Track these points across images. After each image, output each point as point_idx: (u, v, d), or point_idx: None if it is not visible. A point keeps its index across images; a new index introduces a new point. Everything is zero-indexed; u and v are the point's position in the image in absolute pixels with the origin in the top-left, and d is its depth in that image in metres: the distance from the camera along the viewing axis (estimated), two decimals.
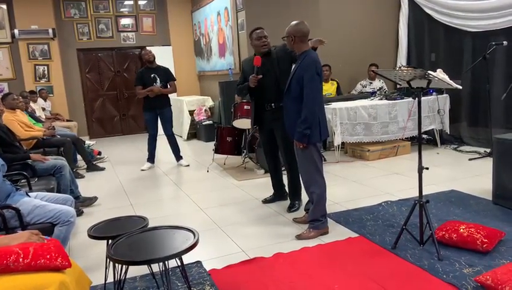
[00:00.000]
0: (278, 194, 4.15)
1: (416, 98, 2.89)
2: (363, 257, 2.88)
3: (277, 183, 4.15)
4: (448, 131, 6.16)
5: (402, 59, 7.21)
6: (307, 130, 3.07)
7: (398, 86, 6.03)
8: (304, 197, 3.61)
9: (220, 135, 5.61)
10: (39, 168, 3.98)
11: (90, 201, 4.42)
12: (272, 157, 4.07)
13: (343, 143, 5.78)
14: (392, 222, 3.43)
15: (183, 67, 9.64)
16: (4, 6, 8.47)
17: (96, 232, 2.46)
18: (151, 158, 6.10)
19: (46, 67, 8.76)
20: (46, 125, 6.15)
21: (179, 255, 2.03)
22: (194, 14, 9.54)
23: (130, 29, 9.58)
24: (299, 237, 3.25)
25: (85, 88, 9.51)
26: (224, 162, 5.86)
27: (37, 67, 8.71)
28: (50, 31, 8.51)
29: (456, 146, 6.08)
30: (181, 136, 8.40)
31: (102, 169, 6.15)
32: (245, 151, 5.49)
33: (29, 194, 2.91)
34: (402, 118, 5.80)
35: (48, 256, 1.84)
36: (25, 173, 3.57)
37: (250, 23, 6.66)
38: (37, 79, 8.74)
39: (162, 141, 6.22)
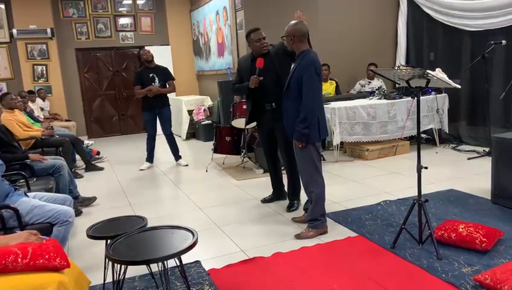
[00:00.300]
0: (277, 194, 4.15)
1: (415, 98, 2.89)
2: (362, 256, 2.88)
3: (276, 183, 4.15)
4: (447, 130, 6.17)
5: (401, 58, 7.21)
6: (305, 130, 3.07)
7: (397, 86, 6.04)
8: (303, 196, 3.61)
9: (218, 134, 5.61)
10: (38, 168, 3.98)
11: (89, 201, 4.42)
12: (271, 157, 4.08)
13: (342, 142, 5.78)
14: (391, 221, 3.44)
15: (182, 67, 9.63)
16: (2, 6, 8.45)
17: (95, 232, 2.46)
18: (150, 158, 6.10)
19: (44, 67, 8.75)
20: (44, 125, 6.14)
21: (178, 255, 2.02)
22: (193, 14, 9.54)
23: (128, 29, 9.57)
24: (298, 237, 3.25)
25: (83, 88, 9.50)
26: (223, 162, 5.85)
27: (35, 67, 8.70)
28: (48, 30, 8.50)
29: (455, 145, 6.08)
30: (180, 136, 8.40)
31: (101, 169, 6.14)
32: (244, 150, 5.49)
33: (27, 194, 2.90)
34: (401, 118, 5.81)
35: (47, 256, 1.84)
36: (23, 173, 3.56)
37: (249, 22, 6.66)
38: (36, 79, 8.73)
39: (160, 140, 6.21)
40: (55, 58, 8.80)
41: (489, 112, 5.41)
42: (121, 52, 9.69)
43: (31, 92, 7.69)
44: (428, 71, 2.71)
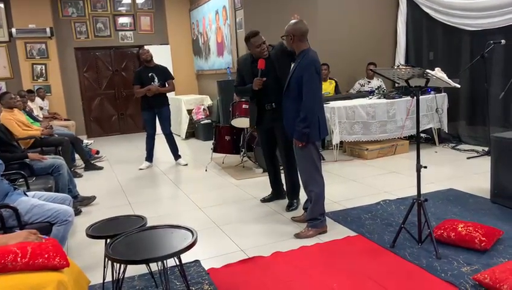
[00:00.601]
0: (276, 193, 4.16)
1: (415, 97, 2.90)
2: (361, 255, 2.88)
3: (275, 182, 4.16)
4: (446, 130, 6.17)
5: (400, 58, 7.21)
6: (306, 129, 3.07)
7: (396, 85, 6.03)
8: (303, 195, 3.61)
9: (218, 133, 5.61)
10: (37, 167, 3.97)
11: (89, 200, 4.42)
12: (270, 156, 4.08)
13: (341, 142, 5.78)
14: (391, 220, 3.44)
15: (182, 66, 9.63)
16: (1, 5, 8.44)
17: (95, 232, 2.46)
18: (149, 157, 6.10)
19: (43, 66, 8.74)
20: (43, 125, 6.13)
21: (177, 254, 2.02)
22: (192, 13, 9.53)
23: (127, 28, 9.56)
24: (297, 236, 3.25)
25: (83, 87, 9.49)
26: (222, 161, 5.85)
27: (34, 66, 8.69)
28: (48, 30, 8.49)
29: (454, 145, 6.09)
30: (179, 135, 8.40)
31: (101, 168, 6.14)
32: (243, 150, 5.49)
33: (27, 193, 2.90)
34: (400, 117, 5.81)
35: (46, 255, 1.84)
36: (22, 172, 3.56)
37: (249, 21, 6.66)
38: (35, 78, 8.72)
39: (160, 140, 6.21)
40: (55, 57, 8.79)
41: (489, 111, 5.42)
42: (120, 52, 9.69)
43: (30, 91, 7.68)
44: (427, 71, 2.71)
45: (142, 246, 2.13)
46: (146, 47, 6.22)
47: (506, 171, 3.54)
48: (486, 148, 5.39)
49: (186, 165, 6.06)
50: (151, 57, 5.82)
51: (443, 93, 6.12)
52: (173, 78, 6.04)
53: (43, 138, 5.45)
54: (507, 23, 5.45)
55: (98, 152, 6.95)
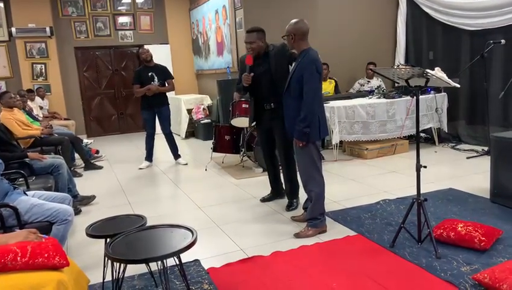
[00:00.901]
0: (276, 192, 4.16)
1: (415, 97, 2.90)
2: (361, 255, 2.88)
3: (274, 181, 4.16)
4: (446, 129, 6.18)
5: (400, 57, 7.22)
6: (306, 129, 3.07)
7: (396, 85, 6.04)
8: (303, 195, 3.61)
9: (218, 133, 5.61)
10: (37, 166, 3.97)
11: (88, 200, 4.42)
12: (270, 156, 4.09)
13: (341, 141, 5.78)
14: (390, 220, 3.44)
15: (181, 66, 9.62)
16: (1, 4, 8.43)
17: (94, 231, 2.46)
18: (149, 157, 6.09)
19: (43, 66, 8.74)
20: (43, 124, 6.13)
21: (177, 253, 2.03)
22: (192, 13, 9.52)
23: (127, 28, 9.56)
24: (297, 236, 3.25)
25: (83, 87, 9.48)
26: (222, 161, 5.85)
27: (34, 65, 8.68)
28: (47, 29, 8.48)
29: (454, 144, 6.09)
30: (179, 135, 8.39)
31: (100, 168, 6.14)
32: (243, 149, 5.49)
33: (26, 192, 2.90)
34: (400, 117, 5.81)
35: (46, 255, 1.84)
36: (22, 171, 3.56)
37: (249, 21, 6.65)
38: (35, 77, 8.71)
39: (160, 139, 6.21)
40: (54, 56, 8.78)
41: (489, 111, 5.42)
42: (120, 51, 9.68)
43: (30, 91, 7.67)
44: (427, 70, 2.71)
45: (141, 245, 2.14)
46: (146, 46, 6.22)
47: (506, 170, 3.54)
48: (486, 148, 5.39)
49: (186, 164, 6.06)
50: (151, 57, 5.82)
51: (443, 93, 6.12)
52: (173, 78, 6.04)
53: (42, 137, 5.45)
54: (507, 23, 5.45)
55: (97, 152, 6.95)
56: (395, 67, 6.14)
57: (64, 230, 2.75)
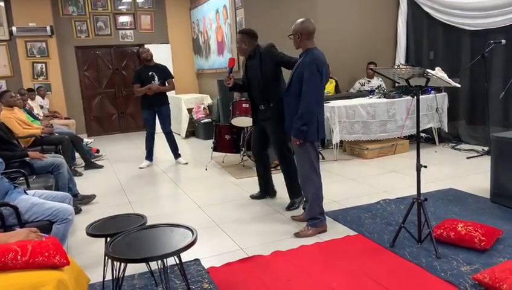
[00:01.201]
0: (264, 191, 4.20)
1: (415, 97, 2.90)
2: (361, 255, 2.88)
3: (263, 181, 4.19)
4: (446, 129, 6.18)
5: (400, 57, 7.21)
6: (303, 127, 3.07)
7: (396, 85, 6.03)
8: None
9: (218, 133, 5.61)
10: (37, 166, 3.98)
11: (89, 199, 4.42)
12: (258, 155, 4.13)
13: (341, 141, 5.78)
14: (390, 220, 3.44)
15: (182, 65, 9.62)
16: (2, 4, 8.43)
17: (95, 230, 2.46)
18: (149, 156, 6.10)
19: (44, 65, 8.74)
20: (44, 123, 6.13)
21: (177, 253, 2.03)
22: (193, 12, 9.52)
23: (128, 27, 9.56)
24: (297, 235, 3.25)
25: (83, 86, 9.48)
26: (222, 160, 5.86)
27: (35, 64, 8.68)
28: (48, 28, 8.48)
29: (454, 144, 6.09)
30: (179, 134, 8.40)
31: (101, 167, 6.14)
32: (243, 149, 5.49)
33: (27, 192, 2.90)
34: (400, 117, 5.81)
35: (46, 254, 1.84)
36: (23, 170, 3.56)
37: (249, 21, 6.65)
38: (35, 77, 8.72)
39: (160, 139, 6.21)
40: (55, 56, 8.78)
41: (489, 111, 5.42)
42: (120, 50, 9.68)
43: (30, 90, 7.68)
44: (428, 70, 2.71)
45: (142, 244, 2.14)
46: (146, 46, 6.23)
47: (506, 171, 3.54)
48: (486, 148, 5.39)
49: (186, 164, 6.06)
50: (151, 56, 5.82)
51: (443, 93, 6.12)
52: (173, 77, 6.04)
53: (43, 136, 5.45)
54: (507, 22, 5.45)
55: (98, 151, 6.95)
56: (396, 67, 6.13)
57: (64, 229, 2.75)
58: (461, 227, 2.87)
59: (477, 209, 3.57)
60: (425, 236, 2.89)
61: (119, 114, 9.89)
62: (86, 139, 7.44)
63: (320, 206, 3.29)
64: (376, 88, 6.51)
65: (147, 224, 2.45)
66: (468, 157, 5.35)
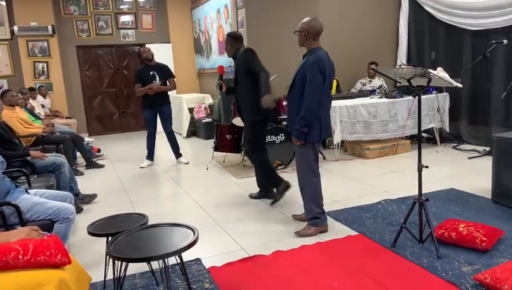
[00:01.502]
0: (262, 191, 4.24)
1: (416, 97, 2.89)
2: (362, 255, 2.88)
3: (258, 180, 4.28)
4: (447, 129, 6.17)
5: (402, 57, 7.20)
6: (304, 128, 3.06)
7: (398, 84, 6.03)
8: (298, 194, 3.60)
9: (219, 132, 5.60)
10: (38, 165, 3.98)
11: (90, 198, 4.42)
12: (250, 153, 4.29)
13: (342, 141, 5.78)
14: (392, 220, 3.44)
15: (183, 65, 9.63)
16: (3, 3, 8.44)
17: (96, 230, 2.46)
18: (150, 156, 6.10)
19: (45, 64, 8.75)
20: (45, 123, 6.14)
21: (178, 252, 2.03)
22: (194, 12, 9.53)
23: (129, 27, 9.56)
24: (298, 234, 3.25)
25: (84, 85, 9.49)
26: (223, 160, 5.86)
27: (36, 64, 8.69)
28: (49, 28, 8.49)
29: (455, 144, 6.08)
30: (180, 134, 8.40)
31: (102, 166, 6.14)
32: (244, 148, 5.48)
33: (28, 191, 2.91)
34: (402, 117, 5.80)
35: (48, 253, 1.84)
36: (24, 170, 3.57)
37: (250, 20, 6.65)
38: (36, 76, 8.73)
39: (161, 138, 6.21)
40: (56, 55, 8.79)
41: (490, 111, 5.41)
42: (121, 50, 9.69)
43: (31, 89, 7.69)
44: (429, 70, 2.70)
45: (143, 244, 2.14)
46: (147, 45, 6.23)
47: (508, 171, 3.53)
48: (487, 148, 5.38)
49: (187, 163, 6.06)
50: (153, 56, 5.82)
51: (445, 93, 6.11)
52: (174, 77, 6.04)
53: (44, 135, 5.46)
54: (509, 23, 5.44)
55: (99, 150, 6.96)
56: (397, 67, 6.13)
57: (66, 228, 2.75)
58: (462, 227, 2.87)
59: (479, 209, 3.57)
60: (427, 236, 2.89)
61: (120, 113, 9.90)
62: (87, 139, 7.45)
63: (319, 205, 3.29)
64: (377, 88, 6.50)
65: (148, 223, 2.45)
66: (469, 158, 5.34)
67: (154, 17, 9.70)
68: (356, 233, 3.24)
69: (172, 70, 6.18)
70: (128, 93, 9.71)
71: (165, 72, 5.88)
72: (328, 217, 3.39)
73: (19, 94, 5.89)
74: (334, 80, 6.83)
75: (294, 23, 3.20)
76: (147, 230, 2.29)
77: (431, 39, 6.77)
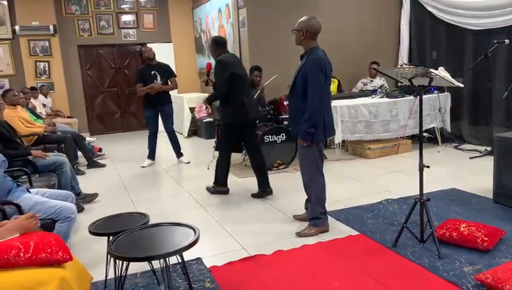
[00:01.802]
0: (260, 190, 4.27)
1: (418, 96, 2.89)
2: (363, 254, 2.88)
3: (258, 179, 4.31)
4: (449, 129, 6.16)
5: (403, 57, 7.19)
6: (310, 129, 3.06)
7: (399, 84, 6.02)
8: (304, 194, 3.61)
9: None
10: (40, 164, 3.99)
11: (91, 198, 4.43)
12: (248, 152, 4.53)
13: (343, 141, 5.78)
14: (393, 220, 3.44)
15: (184, 64, 9.63)
16: (5, 2, 8.45)
17: (97, 229, 2.47)
18: (151, 155, 6.10)
19: (46, 64, 8.75)
20: (46, 122, 6.15)
21: (179, 251, 2.03)
22: (195, 11, 9.53)
23: (130, 26, 9.56)
24: (299, 235, 3.25)
25: (86, 85, 9.49)
26: None
27: (37, 63, 8.70)
28: (51, 27, 8.49)
29: (456, 144, 6.08)
30: (181, 133, 8.39)
31: (103, 166, 6.15)
32: (245, 148, 5.48)
33: (30, 190, 2.91)
34: (403, 116, 5.80)
35: (49, 250, 1.84)
36: (25, 169, 3.58)
37: (252, 20, 6.65)
38: (38, 75, 8.73)
39: (162, 138, 6.21)
40: (58, 54, 8.80)
41: (492, 111, 5.40)
42: (123, 49, 9.69)
43: (33, 89, 7.70)
44: (431, 70, 2.70)
45: (144, 243, 2.14)
46: (149, 45, 6.22)
47: (509, 171, 3.53)
48: (489, 148, 5.37)
49: (189, 163, 6.06)
50: (154, 55, 5.82)
51: (446, 93, 6.10)
52: (175, 76, 6.04)
53: (45, 135, 5.46)
54: (510, 22, 5.43)
55: (100, 150, 6.96)
56: (399, 66, 6.12)
57: (67, 228, 2.76)
58: (464, 227, 2.87)
59: (480, 209, 3.57)
60: (428, 236, 2.89)
61: (122, 113, 9.90)
62: (88, 138, 7.45)
63: (322, 206, 3.29)
64: (379, 88, 6.50)
65: (149, 223, 2.45)
66: (470, 158, 5.34)
67: (156, 17, 9.70)
68: (357, 233, 3.24)
69: (174, 70, 6.18)
70: (130, 93, 9.71)
71: (166, 72, 5.88)
72: (329, 217, 3.39)
73: (21, 93, 5.89)
74: (336, 80, 6.84)
75: (296, 23, 3.20)
76: (148, 229, 2.30)
77: (432, 39, 6.76)
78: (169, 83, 5.91)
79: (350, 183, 4.61)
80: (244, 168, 5.48)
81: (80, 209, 4.03)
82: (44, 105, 7.92)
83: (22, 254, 1.79)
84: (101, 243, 2.87)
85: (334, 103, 5.60)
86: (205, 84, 4.61)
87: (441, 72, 2.78)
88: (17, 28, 8.36)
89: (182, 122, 8.53)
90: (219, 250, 3.09)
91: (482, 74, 5.61)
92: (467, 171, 4.78)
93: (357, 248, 2.99)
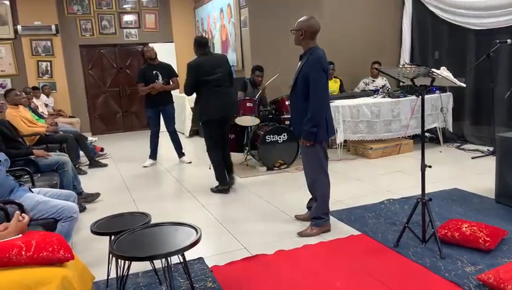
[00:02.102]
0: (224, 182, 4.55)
1: (420, 96, 2.88)
2: (365, 254, 2.88)
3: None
4: (451, 129, 6.15)
5: (405, 57, 7.19)
6: (313, 128, 3.06)
7: (401, 84, 6.02)
8: (306, 194, 3.61)
9: None
10: (42, 164, 4.00)
11: (93, 197, 4.43)
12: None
13: (345, 141, 5.77)
14: (395, 220, 3.43)
15: (186, 64, 9.61)
16: (7, 2, 8.47)
17: (99, 228, 2.47)
18: (153, 155, 6.11)
19: (49, 64, 8.77)
20: (48, 122, 6.16)
21: (181, 251, 2.03)
22: (197, 11, 9.53)
23: (132, 26, 9.58)
24: (300, 234, 3.25)
25: (87, 84, 9.51)
26: None
27: (39, 63, 8.72)
28: (53, 27, 8.51)
29: (458, 144, 6.07)
30: (183, 133, 8.40)
31: (105, 165, 6.16)
32: (247, 148, 5.49)
33: (32, 189, 2.92)
34: (405, 116, 5.79)
35: (51, 249, 1.85)
36: (28, 168, 3.58)
37: (253, 20, 6.65)
38: (40, 75, 8.75)
39: (164, 137, 6.22)
40: (60, 54, 8.82)
41: (494, 111, 5.39)
42: (125, 49, 9.70)
43: (35, 88, 7.72)
44: (433, 70, 2.69)
45: (146, 243, 2.14)
46: (150, 45, 6.23)
47: (511, 171, 3.52)
48: (491, 148, 5.36)
49: (190, 162, 6.07)
50: (156, 55, 5.83)
51: (448, 93, 6.09)
52: (177, 76, 6.05)
53: (47, 134, 5.48)
54: (511, 23, 5.42)
55: (102, 149, 6.97)
56: (401, 66, 6.11)
57: (69, 227, 2.76)
58: (466, 227, 2.86)
59: (482, 209, 3.56)
60: (430, 236, 2.88)
61: (124, 113, 9.91)
62: (90, 138, 7.47)
63: (326, 206, 3.29)
64: (380, 88, 6.49)
65: (151, 222, 2.45)
66: (472, 158, 5.33)
67: (157, 17, 9.71)
68: (359, 233, 3.24)
69: (176, 70, 6.19)
70: (132, 93, 9.72)
71: (168, 72, 5.89)
72: (330, 217, 3.39)
73: (23, 93, 5.90)
74: (338, 80, 6.84)
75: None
76: (149, 229, 2.30)
77: (434, 38, 6.75)
78: (171, 83, 5.91)
79: (352, 183, 4.60)
80: (245, 167, 5.49)
81: (82, 209, 4.04)
82: (46, 105, 7.94)
83: (23, 253, 1.79)
84: (103, 243, 2.87)
85: (336, 103, 5.61)
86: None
87: (443, 72, 2.78)
88: (19, 27, 8.38)
89: (184, 122, 8.53)
90: (221, 250, 3.09)
91: (484, 74, 5.60)
92: (469, 171, 4.78)
93: (358, 248, 2.99)
